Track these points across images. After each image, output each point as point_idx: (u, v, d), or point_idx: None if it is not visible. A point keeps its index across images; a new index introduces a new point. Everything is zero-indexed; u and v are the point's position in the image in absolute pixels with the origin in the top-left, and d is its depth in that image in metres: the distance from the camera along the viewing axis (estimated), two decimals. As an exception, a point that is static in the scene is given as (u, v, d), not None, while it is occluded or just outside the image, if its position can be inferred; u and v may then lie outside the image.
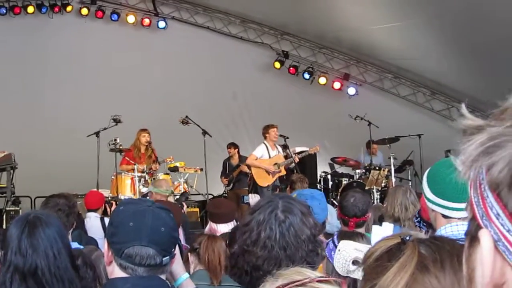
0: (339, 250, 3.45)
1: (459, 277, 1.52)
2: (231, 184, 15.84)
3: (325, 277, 1.78)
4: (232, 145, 16.30)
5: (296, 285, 1.73)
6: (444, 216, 3.26)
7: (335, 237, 4.15)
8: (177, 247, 2.81)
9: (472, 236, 1.12)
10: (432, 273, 1.56)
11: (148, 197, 8.61)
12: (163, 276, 2.76)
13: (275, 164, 14.02)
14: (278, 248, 2.83)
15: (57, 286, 3.45)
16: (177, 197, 12.09)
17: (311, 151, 14.55)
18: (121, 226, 2.69)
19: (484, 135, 1.04)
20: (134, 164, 13.72)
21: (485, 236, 1.07)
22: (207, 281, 4.56)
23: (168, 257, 2.68)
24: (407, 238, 1.67)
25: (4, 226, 13.13)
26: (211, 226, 6.87)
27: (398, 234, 1.73)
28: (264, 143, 14.23)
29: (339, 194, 14.15)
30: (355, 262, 3.27)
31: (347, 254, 3.36)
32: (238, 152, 16.12)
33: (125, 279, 2.66)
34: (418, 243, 1.63)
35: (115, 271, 2.70)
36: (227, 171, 16.12)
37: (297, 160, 14.19)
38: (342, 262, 3.35)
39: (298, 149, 14.43)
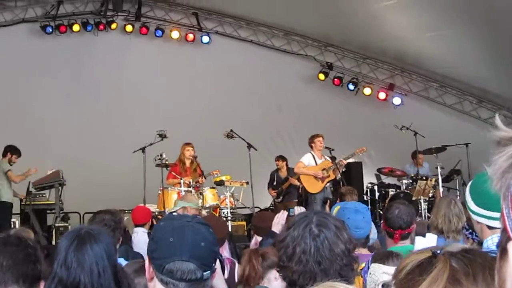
0: (370, 273, 3.47)
1: None
2: (281, 197, 15.80)
3: None
4: (281, 157, 16.27)
5: None
6: (489, 227, 3.21)
7: (370, 258, 4.13)
8: (217, 261, 2.81)
9: (503, 248, 1.11)
10: (464, 286, 1.54)
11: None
12: None
13: (323, 169, 14.02)
14: (313, 262, 2.83)
15: None
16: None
17: (357, 152, 14.47)
18: (162, 241, 2.70)
19: None
20: (180, 179, 13.78)
21: None
22: None
23: (209, 271, 2.67)
24: (438, 251, 1.65)
25: (53, 242, 13.31)
26: (256, 239, 6.87)
27: (430, 248, 1.71)
28: (310, 152, 14.26)
29: (386, 205, 14.05)
30: (384, 286, 3.27)
31: (376, 278, 3.36)
32: (287, 164, 16.07)
33: None
34: (449, 256, 1.61)
35: (157, 287, 2.72)
36: (275, 183, 16.10)
37: (344, 162, 14.17)
38: (372, 285, 3.36)
39: (343, 156, 14.38)
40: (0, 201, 14.06)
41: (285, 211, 6.45)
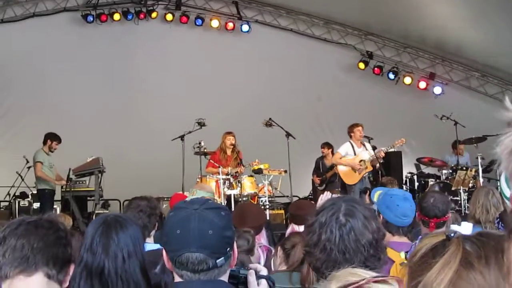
0: None
1: (504, 273, 1.50)
2: (324, 185, 15.76)
3: (381, 276, 1.76)
4: (326, 145, 16.21)
5: (354, 287, 1.72)
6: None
7: (415, 244, 4.08)
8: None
9: (511, 229, 1.11)
10: (476, 269, 1.54)
11: None
12: (225, 278, 2.74)
13: (361, 161, 13.97)
14: (337, 251, 2.81)
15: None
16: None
17: (396, 144, 14.36)
18: (170, 234, 2.69)
19: None
20: (219, 167, 13.83)
21: None
22: (287, 284, 4.52)
23: (222, 258, 2.65)
24: (452, 234, 1.64)
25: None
26: (292, 227, 6.87)
27: (443, 231, 1.71)
28: (349, 141, 14.22)
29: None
30: None
31: None
32: (332, 152, 15.98)
33: (190, 283, 2.68)
34: (463, 239, 1.61)
35: (176, 277, 2.73)
36: (321, 170, 16.06)
37: (383, 154, 14.08)
38: None
39: (383, 148, 14.28)
40: (40, 188, 14.30)
41: (328, 192, 6.41)
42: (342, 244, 2.81)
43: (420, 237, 4.31)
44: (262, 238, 6.52)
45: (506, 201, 3.33)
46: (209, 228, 2.63)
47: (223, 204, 13.49)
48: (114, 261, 3.52)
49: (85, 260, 3.52)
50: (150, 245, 5.12)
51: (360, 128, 14.12)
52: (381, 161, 14.14)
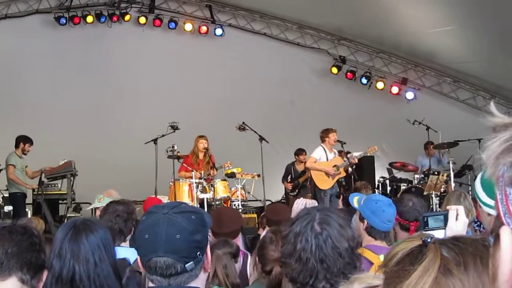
0: None
1: (483, 279, 1.50)
2: (296, 190, 15.78)
3: None
4: (303, 151, 16.22)
5: None
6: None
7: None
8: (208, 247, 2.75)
9: (497, 234, 1.11)
10: (455, 277, 1.53)
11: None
12: (198, 283, 2.69)
13: (335, 166, 14.01)
14: (314, 261, 2.79)
15: None
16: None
17: (369, 151, 14.45)
18: (139, 239, 2.68)
19: (508, 132, 1.03)
20: (192, 171, 13.80)
21: (505, 233, 1.06)
22: None
23: (191, 262, 2.61)
24: (428, 240, 1.64)
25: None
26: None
27: (419, 235, 1.70)
28: (321, 145, 14.23)
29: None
30: None
31: None
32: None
33: None
34: (440, 245, 1.60)
35: (149, 282, 2.71)
36: (291, 177, 16.07)
37: (356, 161, 14.14)
38: None
39: (355, 154, 14.32)
40: (11, 192, 14.20)
41: (302, 198, 6.41)
42: (320, 252, 2.80)
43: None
44: (238, 242, 6.50)
45: (481, 204, 3.34)
46: (176, 232, 2.59)
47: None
48: (85, 265, 3.46)
49: (54, 267, 3.46)
50: (125, 249, 5.09)
51: (334, 133, 14.15)
52: (354, 167, 14.20)
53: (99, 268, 3.49)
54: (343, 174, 14.17)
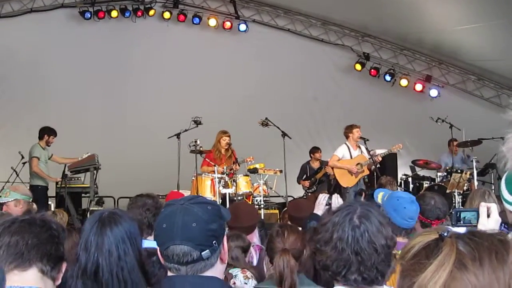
0: None
1: (497, 274, 1.50)
2: (314, 187, 15.78)
3: None
4: (318, 149, 16.28)
5: None
6: (524, 217, 3.19)
7: None
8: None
9: None
10: (470, 271, 1.54)
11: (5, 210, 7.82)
12: (216, 273, 2.76)
13: (358, 164, 13.95)
14: (350, 252, 2.82)
15: (118, 287, 3.49)
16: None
17: (393, 149, 14.36)
18: (158, 229, 2.75)
19: None
20: (214, 166, 13.81)
21: None
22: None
23: (207, 250, 2.67)
24: (445, 234, 1.64)
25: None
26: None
27: (436, 229, 1.70)
28: (345, 143, 14.20)
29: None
30: None
31: None
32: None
33: (184, 277, 2.71)
34: (456, 239, 1.60)
35: (169, 272, 2.77)
36: (306, 175, 16.10)
37: (379, 159, 14.07)
38: None
39: (378, 151, 14.25)
40: (33, 185, 14.13)
41: (326, 193, 6.42)
42: (355, 245, 2.83)
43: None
44: (254, 237, 6.53)
45: (505, 203, 3.33)
46: (192, 221, 2.66)
47: (217, 202, 13.54)
48: (108, 258, 3.50)
49: (80, 259, 3.50)
50: (152, 242, 5.11)
51: (358, 129, 14.08)
52: (377, 165, 14.15)
53: (123, 262, 3.52)
54: (367, 172, 14.12)
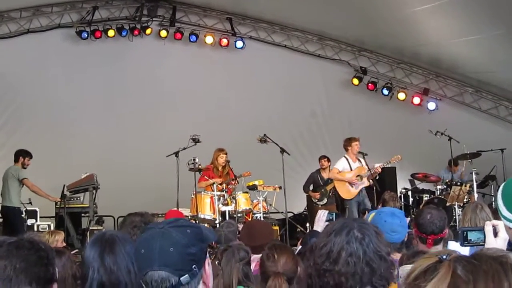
0: (400, 277, 3.46)
1: None
2: (325, 199, 15.66)
3: None
4: (326, 157, 16.13)
5: None
6: (522, 234, 3.15)
7: (397, 263, 4.08)
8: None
9: None
10: None
11: None
12: None
13: (358, 176, 13.97)
14: (363, 264, 2.87)
15: None
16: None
17: (392, 160, 14.36)
18: (136, 254, 2.70)
19: None
20: (213, 181, 13.84)
21: None
22: None
23: (186, 275, 2.60)
24: (444, 257, 1.64)
25: (88, 245, 13.38)
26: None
27: (438, 252, 1.71)
28: (345, 156, 14.24)
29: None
30: None
31: None
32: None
33: None
34: (455, 262, 1.60)
35: None
36: (321, 184, 15.86)
37: (379, 170, 14.09)
38: None
39: (377, 165, 14.24)
40: (10, 206, 14.03)
41: (325, 210, 6.37)
42: (365, 256, 2.88)
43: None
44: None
45: (503, 219, 3.28)
46: (170, 245, 2.59)
47: (217, 220, 13.52)
48: (128, 275, 3.58)
49: (98, 280, 3.55)
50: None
51: (357, 142, 14.18)
52: (376, 177, 14.15)
53: (138, 277, 3.53)
54: (367, 184, 14.11)
